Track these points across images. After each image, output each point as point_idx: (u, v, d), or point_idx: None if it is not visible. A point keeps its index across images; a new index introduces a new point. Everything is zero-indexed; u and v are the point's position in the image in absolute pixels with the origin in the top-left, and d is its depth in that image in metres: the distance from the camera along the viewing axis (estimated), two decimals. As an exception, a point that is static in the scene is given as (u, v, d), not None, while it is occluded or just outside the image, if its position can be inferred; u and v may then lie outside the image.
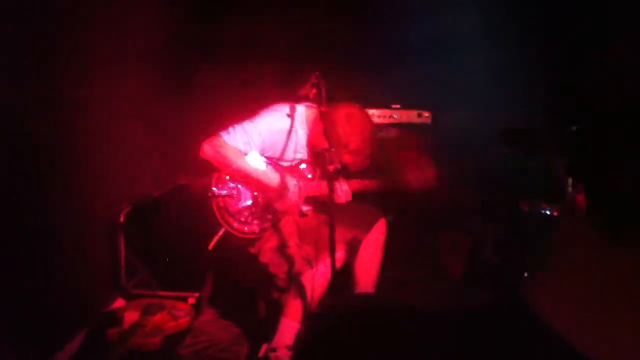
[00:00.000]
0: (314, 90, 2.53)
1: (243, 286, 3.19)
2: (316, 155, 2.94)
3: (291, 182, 2.84)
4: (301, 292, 2.71)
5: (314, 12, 4.10)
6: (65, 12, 2.65)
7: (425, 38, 4.09)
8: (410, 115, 3.74)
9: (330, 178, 2.37)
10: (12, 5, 2.30)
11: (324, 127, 2.52)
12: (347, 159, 2.81)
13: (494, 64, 4.12)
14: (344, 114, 2.79)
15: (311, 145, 2.92)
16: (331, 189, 2.38)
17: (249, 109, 2.89)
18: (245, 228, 2.83)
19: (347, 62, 3.98)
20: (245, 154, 2.80)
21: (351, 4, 4.18)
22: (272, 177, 2.83)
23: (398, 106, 3.75)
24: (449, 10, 4.17)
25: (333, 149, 2.37)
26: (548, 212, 3.26)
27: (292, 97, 2.83)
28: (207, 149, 2.78)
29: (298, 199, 2.87)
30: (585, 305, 2.40)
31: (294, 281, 2.72)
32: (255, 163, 2.84)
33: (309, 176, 2.95)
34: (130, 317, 2.72)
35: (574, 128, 3.10)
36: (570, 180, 3.04)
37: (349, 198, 2.94)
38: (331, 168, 2.36)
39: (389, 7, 4.20)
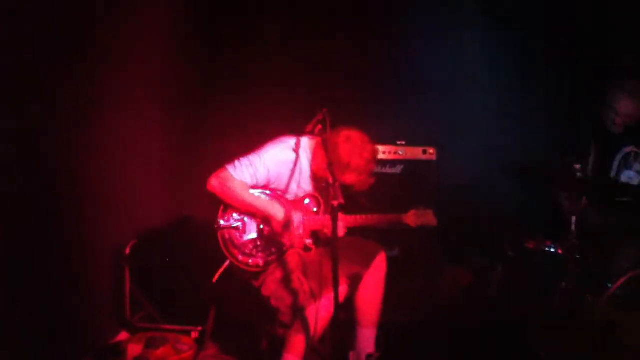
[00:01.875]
0: (319, 127, 2.58)
1: (246, 321, 3.18)
2: (320, 189, 2.97)
3: (296, 216, 2.86)
4: (304, 327, 2.70)
5: (320, 47, 4.19)
6: (73, 50, 2.72)
7: (430, 75, 4.17)
8: (415, 152, 3.77)
9: (335, 213, 2.39)
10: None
11: (326, 153, 2.55)
12: (351, 178, 2.84)
13: (498, 101, 4.18)
14: (343, 135, 2.84)
15: (315, 176, 2.95)
16: (335, 224, 2.39)
17: (255, 142, 2.93)
18: (250, 261, 2.84)
19: (354, 97, 4.05)
20: (251, 187, 2.83)
21: (361, 39, 4.26)
22: (278, 210, 2.86)
23: (403, 142, 3.78)
24: (454, 48, 4.26)
25: (337, 183, 2.39)
26: (553, 250, 3.25)
27: (297, 130, 2.89)
28: (214, 183, 2.81)
29: (302, 232, 2.89)
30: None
31: (297, 315, 2.72)
32: (261, 197, 2.88)
33: (314, 210, 2.97)
34: (134, 350, 2.72)
35: (577, 166, 3.11)
36: (574, 219, 3.04)
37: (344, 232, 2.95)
38: (335, 203, 2.38)
39: (397, 45, 4.29)
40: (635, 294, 2.93)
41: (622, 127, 3.30)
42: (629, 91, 3.22)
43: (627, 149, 3.36)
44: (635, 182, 3.31)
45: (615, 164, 3.38)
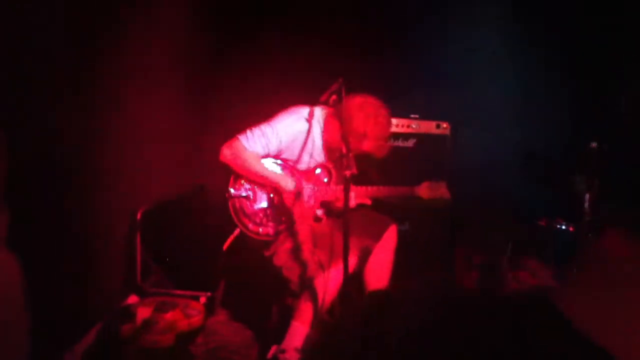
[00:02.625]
0: (334, 97, 2.55)
1: (256, 289, 3.20)
2: (333, 159, 2.96)
3: (306, 189, 2.86)
4: (313, 297, 2.72)
5: (337, 20, 4.15)
6: (91, 21, 2.71)
7: (447, 56, 4.13)
8: (429, 126, 3.74)
9: (347, 183, 2.38)
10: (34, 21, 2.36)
11: (339, 122, 2.53)
12: (369, 145, 2.82)
13: (516, 82, 4.14)
14: (357, 103, 2.80)
15: (327, 146, 2.94)
16: (347, 194, 2.39)
17: (268, 111, 2.92)
18: (260, 230, 2.85)
19: (368, 71, 4.01)
20: (263, 157, 2.83)
21: (378, 14, 4.22)
22: (289, 182, 2.85)
23: (417, 116, 3.75)
24: (473, 27, 4.21)
25: (350, 154, 2.38)
26: (564, 227, 3.25)
27: (310, 100, 2.87)
28: (226, 153, 2.81)
29: (313, 203, 2.89)
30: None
31: (307, 285, 2.73)
32: (272, 168, 2.87)
33: (325, 180, 2.96)
34: (143, 313, 2.74)
35: (594, 145, 3.08)
36: (588, 197, 3.02)
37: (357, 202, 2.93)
38: (348, 173, 2.37)
39: (414, 22, 4.25)
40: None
41: None
42: None
43: None
44: None
45: None
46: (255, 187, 2.88)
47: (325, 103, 2.60)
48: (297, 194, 2.85)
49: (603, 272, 2.57)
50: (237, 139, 2.82)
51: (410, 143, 3.72)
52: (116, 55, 2.95)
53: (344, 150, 2.40)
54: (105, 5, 2.80)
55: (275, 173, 2.87)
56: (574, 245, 3.11)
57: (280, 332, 2.79)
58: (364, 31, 4.21)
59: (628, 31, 3.79)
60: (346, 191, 2.38)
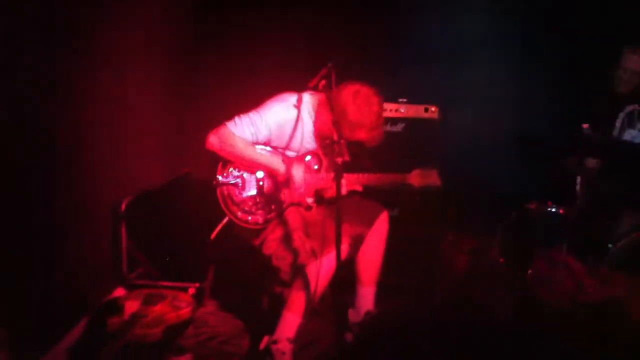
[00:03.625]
0: (324, 82, 2.49)
1: (245, 278, 3.16)
2: (324, 146, 2.90)
3: (296, 172, 2.80)
4: (304, 285, 2.68)
5: (323, 4, 4.09)
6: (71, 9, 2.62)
7: (437, 39, 4.10)
8: (417, 110, 3.69)
9: (339, 170, 2.33)
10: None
11: (332, 111, 2.47)
12: (363, 135, 2.76)
13: (504, 66, 4.12)
14: (350, 92, 2.73)
15: (319, 134, 2.88)
16: (339, 182, 2.34)
17: (255, 98, 2.85)
18: (249, 218, 2.80)
19: (356, 55, 3.96)
20: (252, 144, 2.77)
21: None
22: (279, 165, 2.79)
23: (405, 100, 3.70)
24: (460, 11, 4.17)
25: (342, 140, 2.32)
26: (554, 210, 3.25)
27: (299, 87, 2.80)
28: (213, 140, 2.74)
29: (304, 190, 2.84)
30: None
31: (298, 274, 2.69)
32: (262, 152, 2.82)
33: (316, 167, 2.91)
34: (131, 306, 2.68)
35: (585, 126, 3.08)
36: (579, 179, 3.02)
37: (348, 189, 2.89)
38: (339, 160, 2.32)
39: (401, 6, 4.19)
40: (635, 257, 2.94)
41: (630, 85, 3.30)
42: (636, 49, 3.28)
43: (630, 107, 3.34)
44: (638, 140, 3.28)
45: (618, 122, 3.37)
46: (244, 174, 2.81)
47: (314, 89, 2.54)
48: (288, 178, 2.79)
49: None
50: (225, 125, 2.75)
51: (399, 127, 3.68)
52: (97, 43, 2.87)
53: (336, 137, 2.34)
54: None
55: (265, 156, 2.80)
56: (565, 228, 3.11)
57: (271, 321, 2.76)
58: (350, 14, 4.15)
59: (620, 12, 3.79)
60: (338, 178, 2.33)
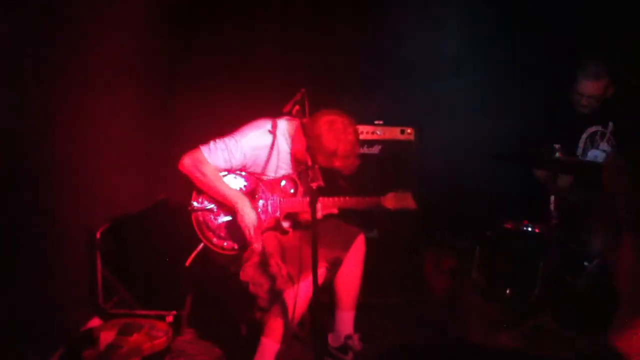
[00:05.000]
0: (297, 107, 2.50)
1: (223, 305, 3.13)
2: (299, 171, 2.91)
3: (272, 199, 2.80)
4: (282, 311, 2.66)
5: (298, 31, 4.13)
6: (42, 32, 2.61)
7: (409, 57, 4.14)
8: (393, 132, 3.72)
9: (314, 195, 2.33)
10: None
11: (306, 138, 2.48)
12: (338, 163, 2.76)
13: (477, 85, 4.18)
14: (325, 121, 2.75)
15: (294, 159, 2.89)
16: (314, 207, 2.34)
17: (232, 123, 2.86)
18: (225, 244, 2.78)
19: (331, 79, 3.99)
20: (225, 170, 2.76)
21: (339, 20, 4.20)
22: (246, 203, 2.73)
23: (381, 122, 3.73)
24: (434, 30, 4.23)
25: (316, 166, 2.32)
26: (530, 229, 3.28)
27: (274, 113, 2.81)
28: (186, 163, 2.73)
29: (279, 215, 2.83)
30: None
31: (276, 300, 2.67)
32: (235, 180, 2.81)
33: (292, 191, 2.90)
34: (106, 337, 2.64)
35: (556, 146, 3.12)
36: (552, 199, 3.05)
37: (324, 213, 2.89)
38: (314, 185, 2.32)
39: (376, 26, 4.24)
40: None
41: (588, 108, 3.33)
42: (587, 73, 3.26)
43: (593, 129, 3.38)
44: (601, 160, 3.32)
45: (581, 144, 3.41)
46: (219, 199, 2.80)
47: (288, 114, 2.54)
48: (254, 215, 2.74)
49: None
50: (199, 149, 2.75)
51: (376, 150, 3.70)
52: (72, 68, 2.85)
53: (310, 163, 2.34)
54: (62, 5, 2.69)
55: (234, 191, 2.77)
56: (541, 247, 3.13)
57: (250, 348, 2.72)
58: (323, 37, 4.19)
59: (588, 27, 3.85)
60: (313, 204, 2.32)
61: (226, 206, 2.78)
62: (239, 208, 2.73)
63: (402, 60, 4.17)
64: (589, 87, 3.26)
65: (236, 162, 2.75)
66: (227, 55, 4.10)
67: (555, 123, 3.48)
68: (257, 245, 2.72)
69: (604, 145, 3.34)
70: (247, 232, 2.71)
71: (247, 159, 2.78)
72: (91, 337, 2.66)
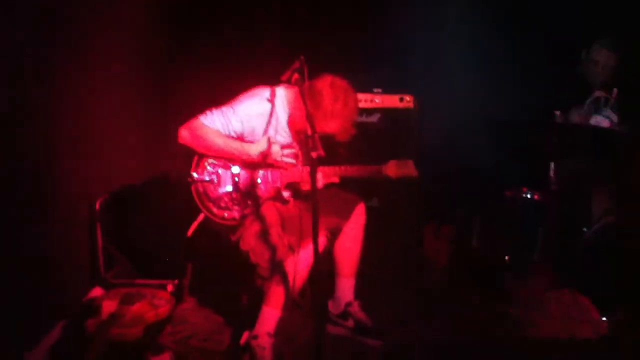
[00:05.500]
0: (296, 75, 2.47)
1: (224, 274, 3.14)
2: (299, 140, 2.89)
3: (275, 148, 2.79)
4: (283, 280, 2.67)
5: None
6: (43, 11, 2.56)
7: (411, 26, 4.08)
8: (392, 100, 3.69)
9: (314, 165, 2.32)
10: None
11: (306, 103, 2.45)
12: (335, 126, 2.75)
13: (477, 53, 4.13)
14: (326, 83, 2.72)
15: (293, 127, 2.87)
16: (314, 177, 2.33)
17: (229, 94, 2.83)
18: (225, 214, 2.78)
19: (330, 46, 3.94)
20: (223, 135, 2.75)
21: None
22: (252, 147, 2.76)
23: (380, 90, 3.70)
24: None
25: (316, 135, 2.31)
26: (529, 196, 3.28)
27: (272, 81, 2.78)
28: (184, 134, 2.72)
29: (279, 185, 2.83)
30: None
31: (276, 269, 2.68)
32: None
33: (291, 162, 2.89)
34: (109, 307, 2.65)
35: (557, 112, 3.10)
36: (552, 165, 3.05)
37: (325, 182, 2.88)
38: (315, 155, 2.30)
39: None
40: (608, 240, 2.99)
41: (599, 77, 3.37)
42: (606, 42, 3.35)
43: (597, 93, 3.38)
44: (604, 125, 3.32)
45: (585, 107, 3.40)
46: (219, 170, 2.79)
47: (287, 82, 2.51)
48: (264, 156, 2.75)
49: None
50: (197, 118, 2.74)
51: (375, 118, 3.68)
52: (74, 43, 2.81)
53: (309, 132, 2.32)
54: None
55: (238, 142, 2.77)
56: (542, 214, 3.14)
57: (251, 315, 2.75)
58: (323, 5, 4.11)
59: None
60: (313, 173, 2.31)
61: (227, 176, 2.77)
62: (253, 154, 2.73)
63: (402, 27, 4.11)
64: (605, 56, 3.33)
65: (233, 128, 2.73)
66: (223, 28, 4.03)
67: (559, 89, 3.47)
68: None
69: (607, 112, 3.33)
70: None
71: (244, 127, 2.75)
72: (93, 307, 2.67)
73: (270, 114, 2.79)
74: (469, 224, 3.50)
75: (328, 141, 2.69)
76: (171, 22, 3.87)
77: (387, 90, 3.70)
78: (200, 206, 2.77)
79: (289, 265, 2.66)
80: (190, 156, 2.76)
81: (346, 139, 2.84)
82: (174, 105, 3.77)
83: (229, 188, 2.79)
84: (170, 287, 3.03)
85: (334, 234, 2.90)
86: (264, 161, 2.77)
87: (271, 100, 2.80)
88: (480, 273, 3.32)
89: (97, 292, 3.02)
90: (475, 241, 3.42)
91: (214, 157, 2.78)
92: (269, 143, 2.77)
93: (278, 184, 2.86)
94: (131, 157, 3.50)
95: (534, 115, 3.41)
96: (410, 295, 3.38)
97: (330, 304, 3.08)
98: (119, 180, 3.28)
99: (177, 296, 3.03)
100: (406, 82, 3.85)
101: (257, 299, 2.78)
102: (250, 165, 2.81)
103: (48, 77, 2.63)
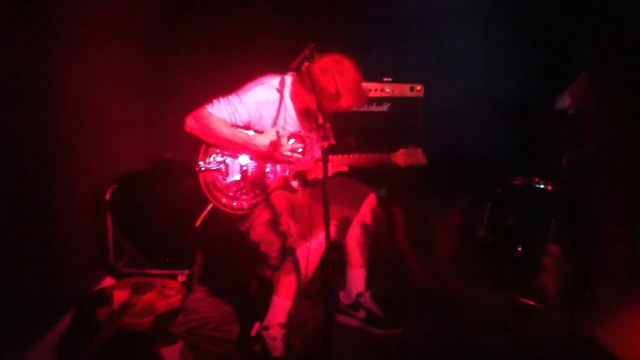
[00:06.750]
0: (306, 64, 2.44)
1: (233, 263, 3.14)
2: (309, 129, 2.87)
3: (282, 135, 2.77)
4: (293, 270, 2.67)
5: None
6: None
7: (419, 13, 4.03)
8: (402, 89, 3.66)
9: (325, 155, 2.30)
10: None
11: (307, 89, 2.41)
12: (345, 102, 2.72)
13: (487, 40, 4.08)
14: (319, 67, 2.66)
15: (301, 114, 2.84)
16: (325, 166, 2.31)
17: (237, 82, 2.81)
18: (234, 203, 2.77)
19: (339, 34, 3.90)
20: (230, 125, 2.73)
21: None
22: (259, 139, 2.75)
23: (390, 79, 3.67)
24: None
25: (327, 124, 2.28)
26: (542, 187, 3.25)
27: (281, 69, 2.76)
28: (190, 123, 2.70)
29: (287, 174, 2.81)
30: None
31: (287, 258, 2.68)
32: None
33: (300, 150, 2.87)
34: (120, 296, 2.66)
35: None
36: (565, 155, 3.02)
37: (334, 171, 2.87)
38: (326, 144, 2.28)
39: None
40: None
41: None
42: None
43: None
44: None
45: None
46: (227, 159, 2.77)
47: (296, 70, 2.49)
48: (273, 147, 2.73)
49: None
50: (203, 107, 2.71)
51: (385, 107, 3.66)
52: (75, 29, 2.79)
53: (321, 121, 2.30)
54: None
55: (245, 133, 2.75)
56: (552, 204, 3.11)
57: (261, 305, 2.75)
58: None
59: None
60: (325, 162, 2.29)
61: (235, 165, 2.76)
62: (262, 146, 2.72)
63: (410, 16, 4.07)
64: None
65: (240, 116, 2.71)
66: (231, 15, 4.00)
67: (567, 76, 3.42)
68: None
69: None
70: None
71: (251, 116, 2.73)
72: (104, 296, 2.68)
73: (280, 103, 2.77)
74: (477, 212, 3.47)
75: (338, 131, 2.67)
76: (178, 4, 3.85)
77: (397, 79, 3.67)
78: (208, 196, 2.75)
79: (300, 255, 2.65)
80: (197, 143, 2.74)
81: (363, 104, 2.91)
82: (180, 89, 3.75)
83: (237, 177, 2.78)
84: (181, 277, 3.04)
85: (344, 225, 2.88)
86: (273, 154, 2.75)
87: (280, 89, 2.78)
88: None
89: (108, 281, 3.03)
90: (483, 230, 3.39)
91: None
92: (278, 136, 2.75)
93: (287, 173, 2.84)
94: (137, 144, 3.49)
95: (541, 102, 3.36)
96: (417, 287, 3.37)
97: (341, 294, 3.08)
98: (126, 168, 3.27)
99: (188, 286, 3.03)
100: (414, 70, 3.80)
101: (268, 288, 2.77)
102: (257, 157, 2.79)
103: (46, 63, 2.58)
